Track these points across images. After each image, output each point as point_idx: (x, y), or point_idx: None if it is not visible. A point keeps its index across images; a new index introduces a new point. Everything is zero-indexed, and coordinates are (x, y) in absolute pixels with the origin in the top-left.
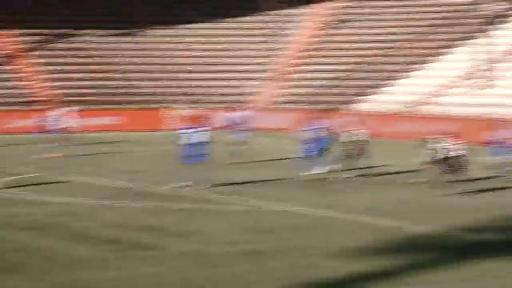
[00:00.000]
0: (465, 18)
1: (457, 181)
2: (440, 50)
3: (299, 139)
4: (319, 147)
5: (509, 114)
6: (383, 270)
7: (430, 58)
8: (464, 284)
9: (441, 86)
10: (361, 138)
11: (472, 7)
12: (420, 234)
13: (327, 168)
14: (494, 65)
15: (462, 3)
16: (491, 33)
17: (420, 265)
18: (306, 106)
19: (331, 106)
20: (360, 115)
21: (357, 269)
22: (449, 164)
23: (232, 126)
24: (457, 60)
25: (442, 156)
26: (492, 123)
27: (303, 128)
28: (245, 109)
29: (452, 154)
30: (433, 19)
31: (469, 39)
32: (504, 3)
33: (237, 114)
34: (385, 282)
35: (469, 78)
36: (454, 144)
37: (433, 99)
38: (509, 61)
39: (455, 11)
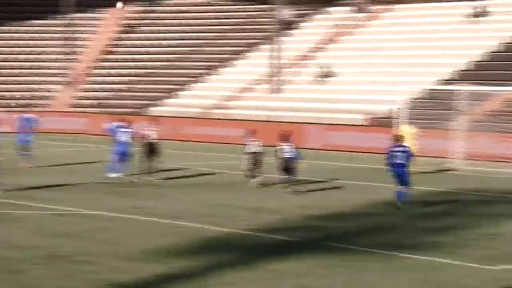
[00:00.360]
0: (260, 23)
1: (283, 183)
2: (236, 55)
3: (110, 140)
4: (123, 151)
5: (298, 117)
6: (184, 271)
7: (226, 62)
8: (260, 283)
9: (237, 90)
10: (155, 140)
11: (267, 12)
12: (222, 236)
13: (129, 171)
14: (286, 69)
15: (257, 9)
16: (284, 38)
17: (220, 266)
18: (105, 110)
19: (130, 110)
20: (156, 118)
21: (159, 271)
22: (285, 166)
23: (24, 129)
24: (253, 64)
25: (282, 158)
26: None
27: (107, 131)
28: (38, 112)
29: (286, 156)
30: (229, 24)
31: (264, 44)
32: (296, 9)
33: (29, 117)
34: (186, 283)
35: (264, 82)
36: (289, 147)
37: (230, 103)
38: (300, 66)
39: (250, 16)
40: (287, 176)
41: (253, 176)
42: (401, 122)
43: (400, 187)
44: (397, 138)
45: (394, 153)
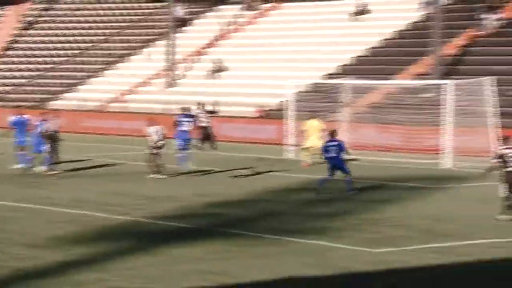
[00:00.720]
0: (155, 20)
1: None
2: (133, 51)
3: (14, 133)
4: (36, 142)
5: (194, 110)
6: (85, 258)
7: (124, 58)
8: (160, 268)
9: (135, 84)
10: (56, 132)
11: (162, 10)
12: (123, 223)
13: (36, 162)
14: (182, 64)
15: (152, 7)
16: (179, 35)
17: (121, 252)
18: (6, 104)
19: (31, 104)
20: (56, 112)
21: (61, 258)
22: (204, 133)
23: None
24: (150, 60)
25: (200, 126)
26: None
27: (12, 124)
28: None
29: (204, 124)
30: (126, 21)
31: (160, 40)
32: (190, 7)
33: None
34: (88, 269)
35: (160, 77)
36: (205, 116)
37: (128, 97)
38: (195, 61)
39: (146, 13)
40: (208, 142)
41: (157, 167)
42: (309, 117)
43: (330, 176)
44: (332, 134)
45: (328, 148)
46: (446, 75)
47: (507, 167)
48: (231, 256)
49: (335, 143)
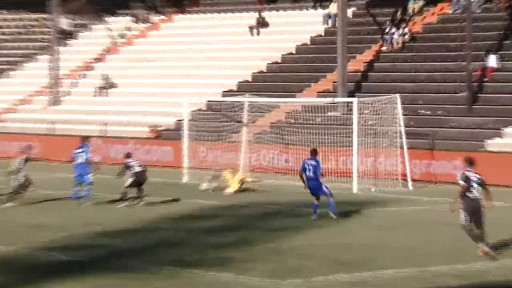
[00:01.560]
0: (38, 33)
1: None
2: (13, 65)
3: None
4: None
5: (83, 130)
6: None
7: (3, 73)
8: None
9: (15, 102)
10: None
11: (45, 22)
12: (1, 255)
13: None
14: (67, 80)
15: (34, 18)
16: (64, 48)
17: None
18: None
19: None
20: None
21: None
22: (139, 180)
23: None
24: (31, 75)
25: (135, 172)
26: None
27: None
28: None
29: (138, 169)
30: (5, 33)
31: (43, 54)
32: (75, 18)
33: None
34: None
35: (43, 94)
36: (137, 163)
37: (7, 116)
38: (81, 77)
39: (27, 25)
40: (138, 191)
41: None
42: (227, 170)
43: (316, 200)
44: (313, 153)
45: (306, 166)
46: (351, 92)
47: (470, 192)
48: None
49: (313, 162)
